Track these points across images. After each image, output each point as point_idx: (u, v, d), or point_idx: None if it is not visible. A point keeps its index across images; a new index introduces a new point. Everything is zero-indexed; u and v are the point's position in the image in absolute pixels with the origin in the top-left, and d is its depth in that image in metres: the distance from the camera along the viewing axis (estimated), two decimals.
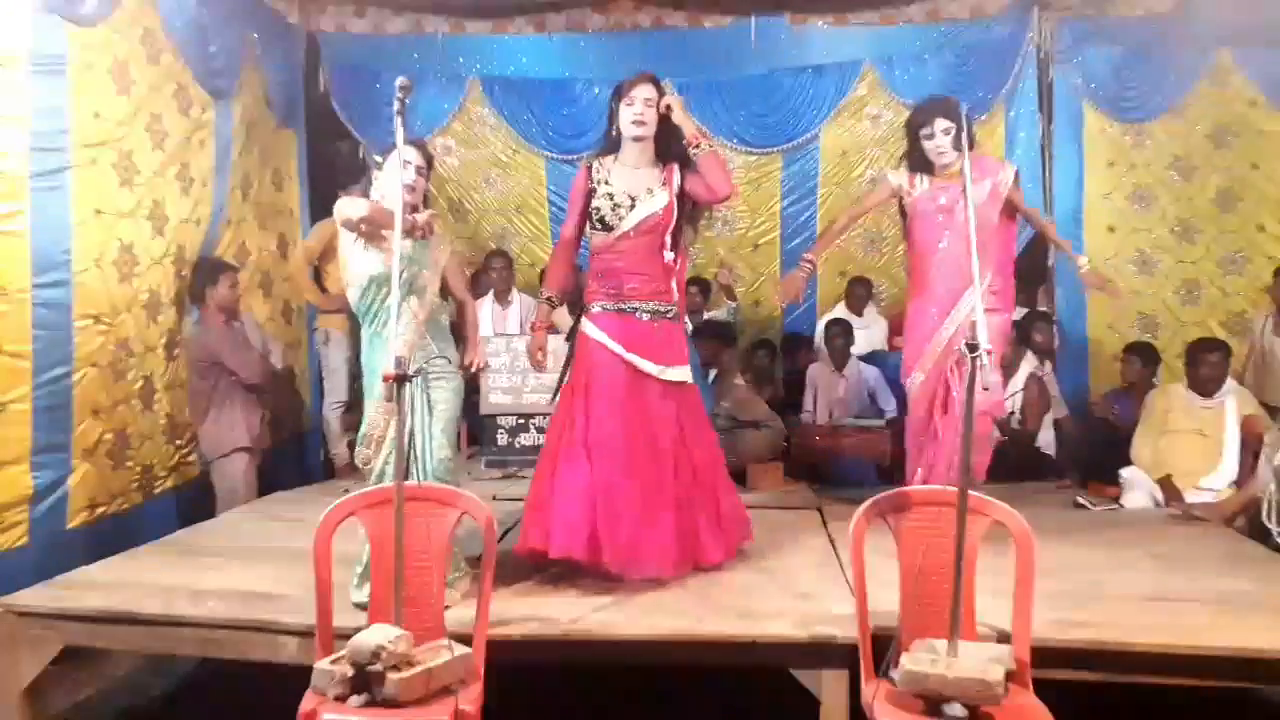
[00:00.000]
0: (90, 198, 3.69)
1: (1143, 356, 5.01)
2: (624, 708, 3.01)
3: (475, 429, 5.40)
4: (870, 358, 5.63)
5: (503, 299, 5.58)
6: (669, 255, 3.17)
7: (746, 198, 6.25)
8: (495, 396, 5.14)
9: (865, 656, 2.26)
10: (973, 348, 2.03)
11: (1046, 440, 5.09)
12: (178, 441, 4.35)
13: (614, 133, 3.21)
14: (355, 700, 2.02)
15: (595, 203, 3.16)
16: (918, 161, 3.64)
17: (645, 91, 3.16)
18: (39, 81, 3.41)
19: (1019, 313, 5.22)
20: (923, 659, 2.05)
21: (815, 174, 6.20)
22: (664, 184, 3.16)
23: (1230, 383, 4.35)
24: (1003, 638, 2.27)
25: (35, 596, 2.81)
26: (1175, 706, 2.75)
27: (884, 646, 2.22)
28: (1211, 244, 5.51)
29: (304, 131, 5.73)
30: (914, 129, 3.61)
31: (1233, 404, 4.26)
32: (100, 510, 3.76)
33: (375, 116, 5.82)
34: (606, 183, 3.17)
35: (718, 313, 5.82)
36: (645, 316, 3.16)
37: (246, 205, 4.99)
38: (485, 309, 5.59)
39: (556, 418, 3.23)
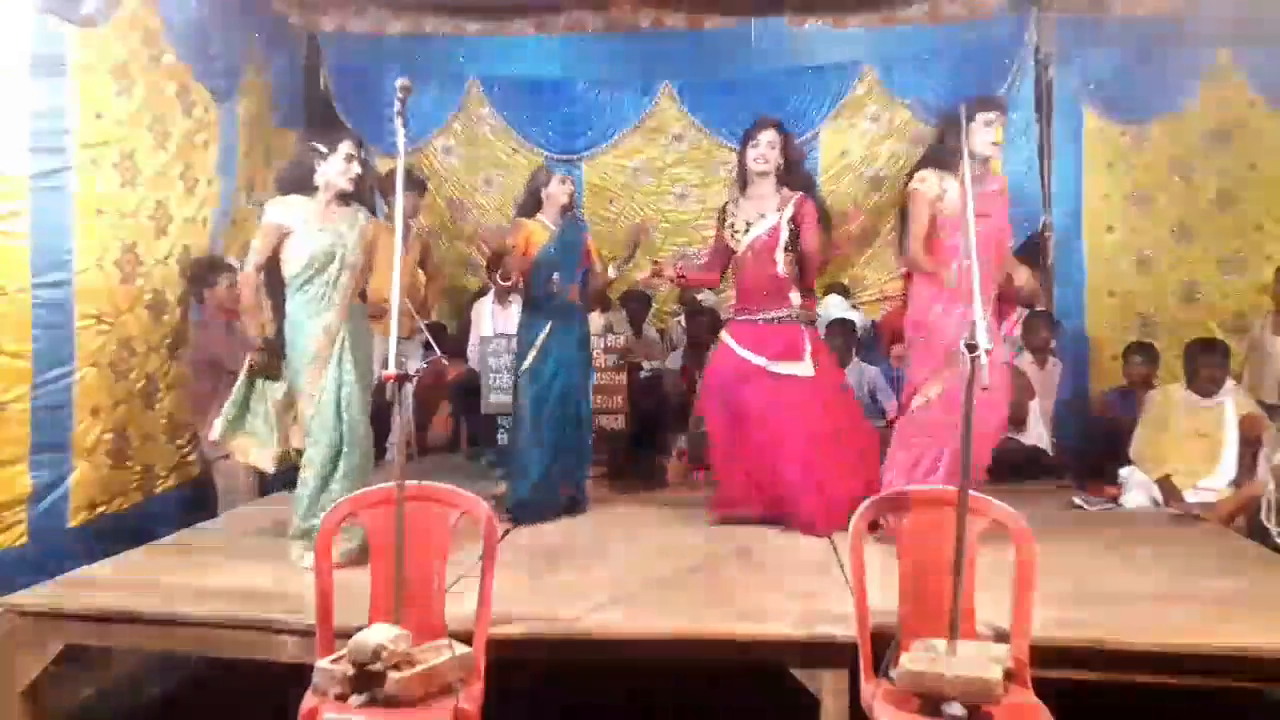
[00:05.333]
0: (92, 198, 3.70)
1: (1142, 356, 5.01)
2: (624, 708, 3.01)
3: (475, 429, 5.41)
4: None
5: (502, 299, 5.58)
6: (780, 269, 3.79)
7: None
8: (495, 396, 5.14)
9: (865, 656, 2.26)
10: (972, 347, 2.04)
11: (1039, 434, 5.07)
12: (178, 441, 4.36)
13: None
14: (356, 699, 2.02)
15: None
16: (936, 158, 3.43)
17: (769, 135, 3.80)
18: (40, 82, 3.42)
19: (1018, 312, 5.23)
20: (922, 658, 2.05)
21: (815, 173, 6.19)
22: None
23: (1229, 383, 4.35)
24: (1002, 637, 2.27)
25: (35, 596, 2.81)
26: (1175, 706, 2.75)
27: (884, 646, 2.22)
28: (1210, 244, 5.51)
29: (305, 131, 5.73)
30: (969, 117, 3.25)
31: (1231, 404, 4.26)
32: (100, 509, 3.77)
33: (376, 116, 5.83)
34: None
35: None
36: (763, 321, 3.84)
37: (250, 205, 5.00)
38: (485, 309, 5.60)
39: None
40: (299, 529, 3.20)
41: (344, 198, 3.28)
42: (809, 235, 3.76)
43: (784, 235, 3.76)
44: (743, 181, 3.91)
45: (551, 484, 3.97)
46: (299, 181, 3.24)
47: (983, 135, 3.35)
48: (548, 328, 3.98)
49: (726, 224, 3.91)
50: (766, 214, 3.80)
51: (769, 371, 3.78)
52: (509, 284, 4.05)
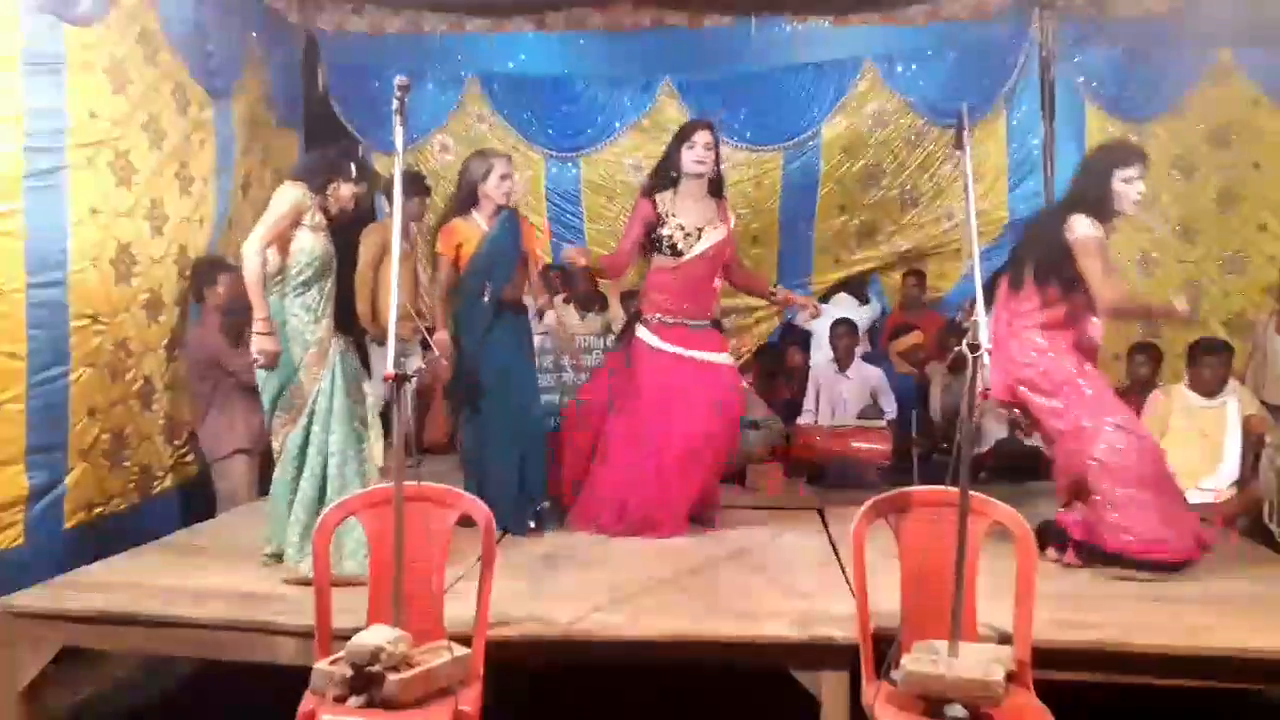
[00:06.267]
0: (87, 197, 3.68)
1: (1144, 356, 5.00)
2: (624, 708, 3.00)
3: None
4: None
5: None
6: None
7: (747, 195, 6.24)
8: None
9: (866, 657, 2.26)
10: (974, 348, 2.03)
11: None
12: (176, 442, 4.34)
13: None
14: (354, 701, 2.01)
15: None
16: (1098, 206, 3.14)
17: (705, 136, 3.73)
18: (34, 81, 3.40)
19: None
20: (923, 660, 2.04)
21: (816, 171, 6.19)
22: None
23: (1232, 383, 4.34)
24: (1003, 638, 2.27)
25: (35, 596, 2.80)
26: (1175, 707, 2.74)
27: (885, 647, 2.21)
28: (1212, 244, 5.51)
29: (303, 131, 5.73)
30: (1107, 169, 3.16)
31: (1234, 404, 4.25)
32: (97, 510, 3.75)
33: (374, 115, 5.82)
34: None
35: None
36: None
37: (248, 205, 4.98)
38: None
39: None
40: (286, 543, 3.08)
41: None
42: (733, 252, 3.95)
43: (728, 251, 3.86)
44: (671, 179, 3.74)
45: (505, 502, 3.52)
46: (315, 172, 3.13)
47: (1126, 192, 3.14)
48: (479, 334, 3.66)
49: (672, 223, 3.70)
50: (713, 224, 3.75)
51: (688, 360, 3.73)
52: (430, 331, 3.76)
